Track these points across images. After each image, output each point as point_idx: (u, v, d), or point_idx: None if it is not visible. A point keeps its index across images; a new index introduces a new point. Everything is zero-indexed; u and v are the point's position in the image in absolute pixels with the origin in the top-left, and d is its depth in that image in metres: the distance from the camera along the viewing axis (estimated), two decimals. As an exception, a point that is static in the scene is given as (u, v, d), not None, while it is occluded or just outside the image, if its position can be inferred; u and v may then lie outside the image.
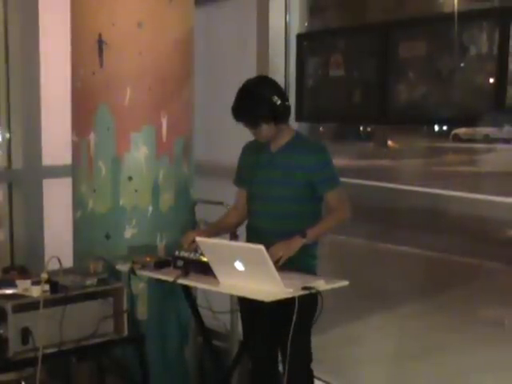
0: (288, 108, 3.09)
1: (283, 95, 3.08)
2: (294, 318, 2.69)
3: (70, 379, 3.57)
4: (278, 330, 3.09)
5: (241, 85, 3.06)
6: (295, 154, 3.08)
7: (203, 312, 3.36)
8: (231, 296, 3.60)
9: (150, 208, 3.61)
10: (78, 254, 3.75)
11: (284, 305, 2.69)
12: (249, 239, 3.20)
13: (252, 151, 3.26)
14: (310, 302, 2.83)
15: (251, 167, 3.23)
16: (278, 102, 3.00)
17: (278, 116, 3.02)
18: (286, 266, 2.89)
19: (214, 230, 3.29)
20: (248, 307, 3.09)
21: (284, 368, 3.03)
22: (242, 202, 3.29)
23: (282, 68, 4.10)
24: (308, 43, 4.02)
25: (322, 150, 3.13)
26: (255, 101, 2.99)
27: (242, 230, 3.38)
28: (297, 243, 2.94)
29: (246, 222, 3.31)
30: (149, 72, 3.55)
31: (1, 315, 2.82)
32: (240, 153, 3.33)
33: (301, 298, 2.71)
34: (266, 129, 3.04)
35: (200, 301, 3.42)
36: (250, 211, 3.24)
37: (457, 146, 16.98)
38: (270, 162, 3.13)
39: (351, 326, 4.98)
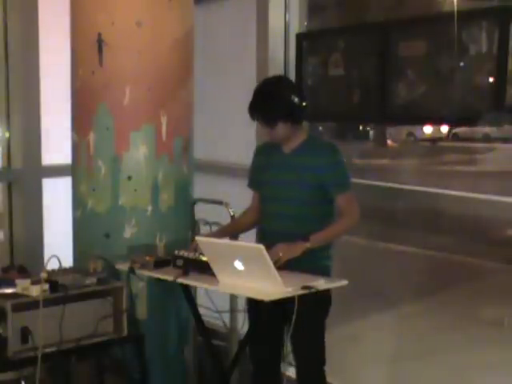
0: (305, 108, 3.06)
1: (301, 95, 3.06)
2: (294, 317, 2.68)
3: (70, 378, 3.56)
4: (280, 331, 3.09)
5: (259, 84, 3.07)
6: (307, 155, 3.06)
7: (203, 311, 3.36)
8: (231, 295, 3.60)
9: (150, 207, 3.60)
10: (78, 253, 3.75)
11: (291, 304, 2.68)
12: (260, 241, 3.17)
13: (264, 153, 3.24)
14: (322, 301, 2.82)
15: (263, 169, 3.20)
16: (296, 102, 2.99)
17: (296, 116, 3.01)
18: (297, 268, 2.88)
19: (229, 230, 3.31)
20: (255, 307, 3.08)
21: (295, 370, 3.05)
22: (257, 204, 3.27)
23: (281, 67, 4.10)
24: (307, 43, 4.01)
25: (333, 150, 3.09)
26: (273, 100, 2.98)
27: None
28: (299, 247, 2.91)
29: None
30: (148, 71, 3.54)
31: (0, 314, 2.82)
32: (252, 155, 3.31)
33: (313, 296, 2.71)
34: (283, 128, 3.02)
35: (200, 300, 3.42)
36: (262, 213, 3.21)
37: (456, 146, 16.97)
38: (283, 163, 3.10)
39: (351, 325, 4.97)
